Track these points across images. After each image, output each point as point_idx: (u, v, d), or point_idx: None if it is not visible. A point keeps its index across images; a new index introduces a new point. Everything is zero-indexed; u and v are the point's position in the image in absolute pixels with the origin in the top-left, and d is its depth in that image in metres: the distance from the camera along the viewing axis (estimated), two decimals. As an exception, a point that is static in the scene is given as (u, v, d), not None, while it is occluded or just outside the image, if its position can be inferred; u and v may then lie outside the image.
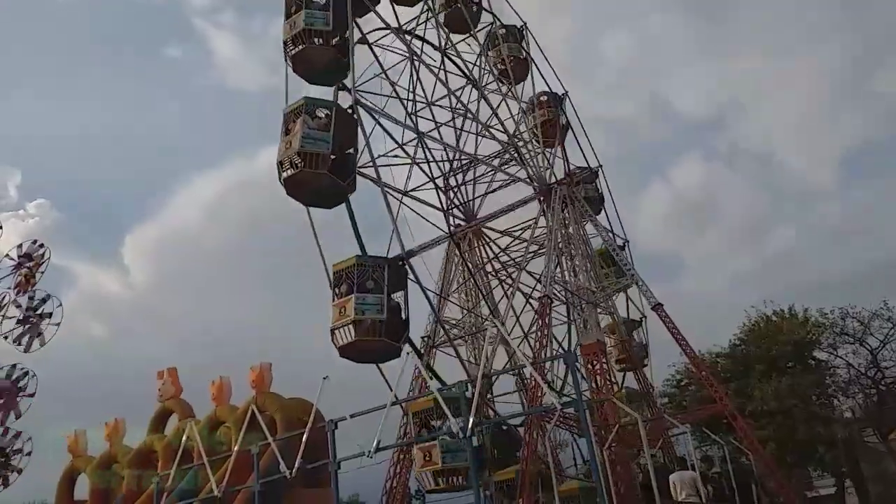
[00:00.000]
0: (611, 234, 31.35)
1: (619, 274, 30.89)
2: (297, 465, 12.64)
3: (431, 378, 21.07)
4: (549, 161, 31.52)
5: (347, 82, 23.79)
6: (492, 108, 30.69)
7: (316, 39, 23.22)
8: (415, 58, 28.22)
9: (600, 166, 33.95)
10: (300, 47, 22.94)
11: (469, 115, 29.60)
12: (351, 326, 20.55)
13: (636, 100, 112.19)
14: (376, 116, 25.10)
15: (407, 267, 22.49)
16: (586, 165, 33.40)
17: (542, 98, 33.90)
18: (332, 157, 21.70)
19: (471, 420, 12.31)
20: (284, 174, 21.74)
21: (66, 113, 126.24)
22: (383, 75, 26.43)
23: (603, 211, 33.24)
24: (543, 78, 34.07)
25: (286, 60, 23.33)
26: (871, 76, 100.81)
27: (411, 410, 20.31)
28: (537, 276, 29.74)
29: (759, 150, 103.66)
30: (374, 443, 12.86)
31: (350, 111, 23.28)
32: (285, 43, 23.36)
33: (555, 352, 27.74)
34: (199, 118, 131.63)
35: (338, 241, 23.86)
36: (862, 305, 34.39)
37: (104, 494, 23.01)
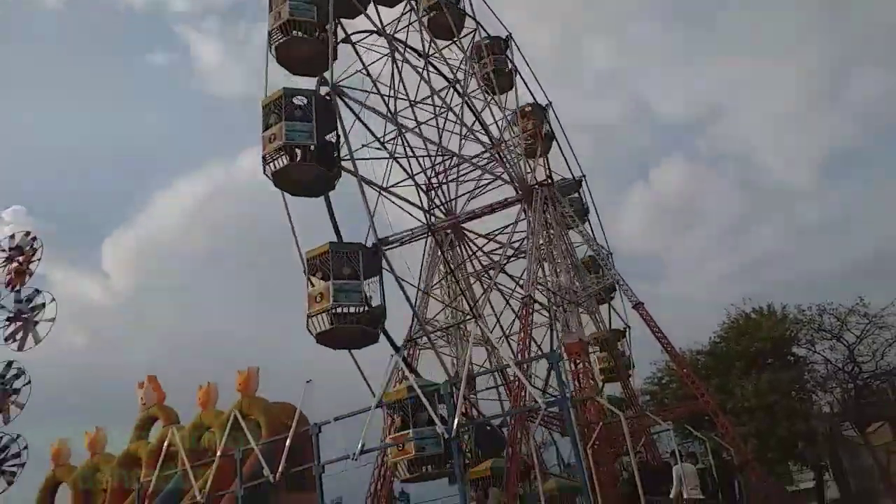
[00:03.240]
0: (594, 242, 31.59)
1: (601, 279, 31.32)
2: (280, 469, 12.61)
3: (410, 372, 21.28)
4: (531, 166, 31.70)
5: (328, 75, 23.75)
6: (475, 112, 30.76)
7: (298, 32, 23.20)
8: (397, 55, 28.12)
9: (583, 176, 34.33)
10: (284, 38, 22.88)
11: (452, 114, 29.63)
12: (326, 314, 20.49)
13: (619, 104, 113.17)
14: (355, 107, 25.00)
15: (381, 255, 22.51)
16: (570, 176, 33.70)
17: (526, 109, 33.99)
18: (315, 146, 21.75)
19: (455, 420, 12.39)
20: (270, 168, 21.66)
21: (45, 119, 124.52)
22: (365, 72, 26.36)
23: (587, 222, 33.68)
24: (528, 88, 34.16)
25: (269, 51, 23.32)
26: (848, 79, 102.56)
27: (385, 400, 20.48)
28: (518, 278, 29.92)
29: (739, 151, 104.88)
30: (359, 445, 12.91)
31: (328, 98, 23.19)
32: (270, 33, 23.32)
33: (536, 352, 27.86)
34: (179, 124, 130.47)
35: (317, 233, 23.82)
36: (839, 302, 34.98)
37: (86, 502, 22.83)
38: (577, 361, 26.71)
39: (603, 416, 23.99)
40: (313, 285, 21.09)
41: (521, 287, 27.54)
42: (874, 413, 33.12)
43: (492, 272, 30.34)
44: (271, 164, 21.68)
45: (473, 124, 30.45)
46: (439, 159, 29.70)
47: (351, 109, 24.79)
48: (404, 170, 27.40)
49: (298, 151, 21.78)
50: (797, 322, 35.79)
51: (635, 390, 32.13)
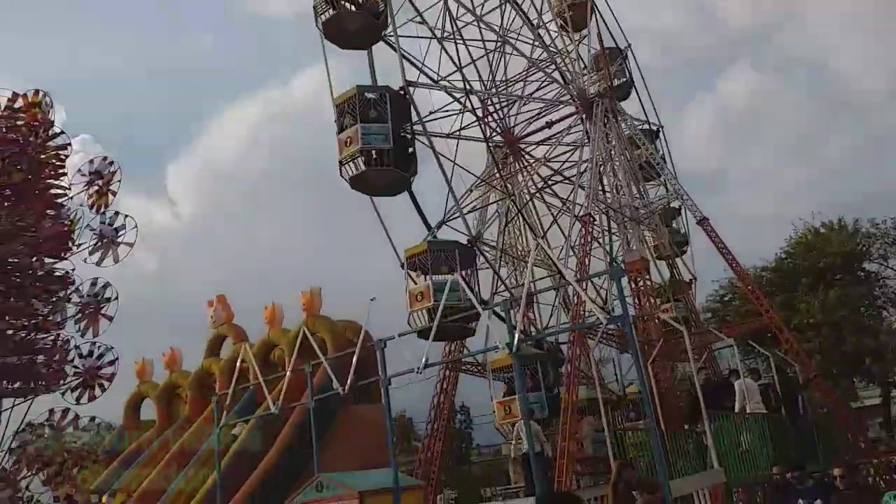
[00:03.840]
0: (661, 162, 30.24)
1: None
2: (349, 382, 13.04)
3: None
4: (591, 74, 30.19)
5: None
6: (539, 28, 29.09)
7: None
8: None
9: (661, 127, 32.65)
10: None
11: (517, 12, 28.19)
12: (359, 158, 20.67)
13: (683, 8, 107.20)
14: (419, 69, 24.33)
15: (409, 98, 22.51)
16: (647, 124, 31.94)
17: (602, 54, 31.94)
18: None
19: (516, 336, 12.49)
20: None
21: (103, 48, 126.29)
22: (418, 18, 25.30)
23: (634, 93, 32.29)
24: (606, 25, 31.97)
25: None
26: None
27: (406, 256, 20.96)
28: (568, 200, 29.26)
29: (812, 57, 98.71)
30: (423, 360, 13.22)
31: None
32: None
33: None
34: (235, 47, 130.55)
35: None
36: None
37: (169, 415, 24.36)
38: (638, 280, 26.44)
39: (663, 333, 23.89)
40: (342, 130, 21.35)
41: (583, 201, 26.94)
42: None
43: (550, 187, 29.63)
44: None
45: (537, 38, 28.84)
46: (496, 47, 28.37)
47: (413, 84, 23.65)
48: (452, 60, 26.30)
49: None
50: (869, 236, 34.50)
51: (697, 307, 31.72)
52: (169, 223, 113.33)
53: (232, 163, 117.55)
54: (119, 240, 26.27)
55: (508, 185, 28.51)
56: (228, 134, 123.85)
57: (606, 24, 31.96)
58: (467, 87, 26.03)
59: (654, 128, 32.57)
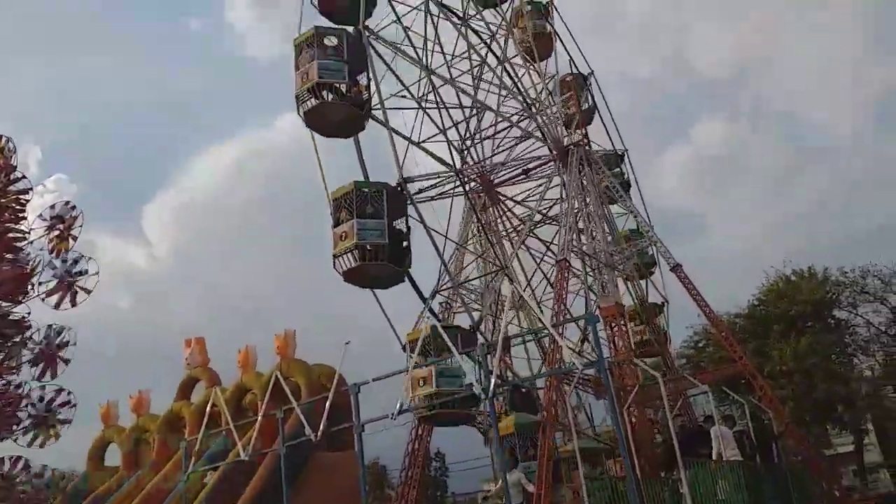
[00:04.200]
0: (635, 210, 30.91)
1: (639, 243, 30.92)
2: (321, 428, 12.85)
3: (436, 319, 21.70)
4: (568, 131, 31.01)
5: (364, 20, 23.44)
6: (511, 75, 29.97)
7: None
8: (432, 6, 27.21)
9: (625, 150, 33.54)
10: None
11: (489, 71, 28.93)
12: (354, 252, 20.65)
13: (658, 57, 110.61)
14: (385, 52, 24.50)
15: (406, 193, 22.52)
16: (612, 149, 32.95)
17: (566, 79, 33.18)
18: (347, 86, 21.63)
19: (492, 381, 12.44)
20: (304, 107, 21.57)
21: (81, 88, 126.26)
22: (399, 24, 25.84)
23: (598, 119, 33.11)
24: (568, 54, 33.19)
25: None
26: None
27: (408, 339, 20.69)
28: (549, 242, 29.67)
29: (782, 105, 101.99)
30: (397, 405, 13.08)
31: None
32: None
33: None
34: (215, 89, 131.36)
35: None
36: (884, 263, 34.16)
37: (135, 460, 23.70)
38: (614, 325, 26.57)
39: (638, 380, 23.93)
40: (338, 224, 21.28)
41: (557, 248, 27.27)
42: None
43: (522, 231, 30.02)
44: (304, 104, 21.65)
45: (510, 86, 29.76)
46: (472, 113, 29.10)
47: (382, 59, 24.27)
48: (435, 124, 26.93)
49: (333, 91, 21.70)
50: (839, 284, 35.12)
51: (672, 354, 31.88)
52: (145, 264, 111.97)
53: (209, 203, 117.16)
54: (80, 283, 25.91)
55: (489, 234, 28.84)
56: (208, 174, 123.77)
57: (569, 53, 33.21)
58: (452, 153, 26.49)
59: (620, 152, 33.39)
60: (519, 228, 30.38)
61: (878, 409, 33.08)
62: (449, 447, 42.89)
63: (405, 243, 22.10)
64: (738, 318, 36.39)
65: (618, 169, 32.51)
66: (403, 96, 26.33)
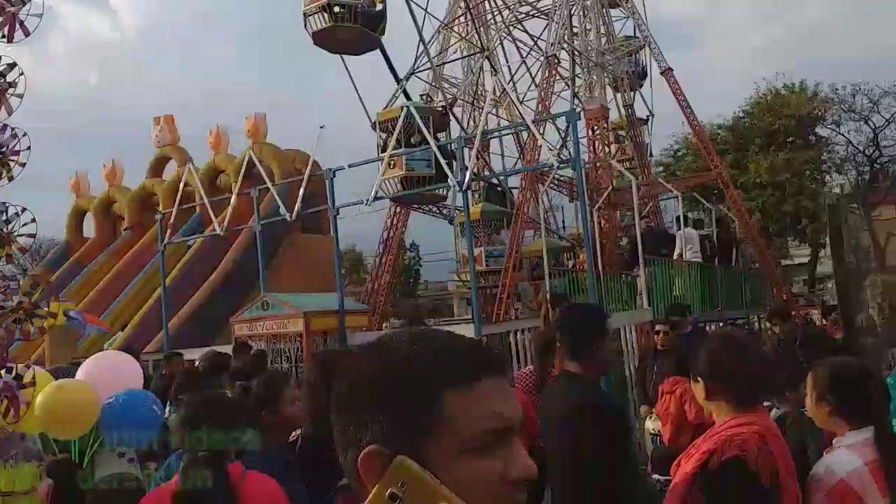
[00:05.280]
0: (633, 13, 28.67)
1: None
2: (296, 208, 12.90)
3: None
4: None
5: None
6: None
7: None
8: None
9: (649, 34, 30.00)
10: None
11: None
12: (325, 11, 19.84)
13: None
14: None
15: None
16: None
17: None
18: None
19: (468, 175, 12.37)
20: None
21: None
22: None
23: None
24: None
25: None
26: None
27: (378, 119, 20.67)
28: (536, 38, 28.24)
29: None
30: (372, 191, 13.09)
31: None
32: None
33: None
34: None
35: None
36: (876, 83, 33.48)
37: (111, 230, 24.11)
38: (596, 128, 26.22)
39: (612, 181, 24.16)
40: None
41: (541, 47, 26.05)
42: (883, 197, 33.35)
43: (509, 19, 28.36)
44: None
45: None
46: None
47: None
48: None
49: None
50: (827, 101, 34.63)
51: (649, 163, 31.77)
52: (110, 36, 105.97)
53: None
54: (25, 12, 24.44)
55: (477, 22, 27.05)
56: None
57: None
58: None
59: None
60: (508, 19, 28.70)
61: (839, 217, 34.21)
62: (423, 240, 44.29)
63: (380, 6, 21.05)
64: (720, 129, 36.17)
65: (633, 58, 29.67)
66: None
